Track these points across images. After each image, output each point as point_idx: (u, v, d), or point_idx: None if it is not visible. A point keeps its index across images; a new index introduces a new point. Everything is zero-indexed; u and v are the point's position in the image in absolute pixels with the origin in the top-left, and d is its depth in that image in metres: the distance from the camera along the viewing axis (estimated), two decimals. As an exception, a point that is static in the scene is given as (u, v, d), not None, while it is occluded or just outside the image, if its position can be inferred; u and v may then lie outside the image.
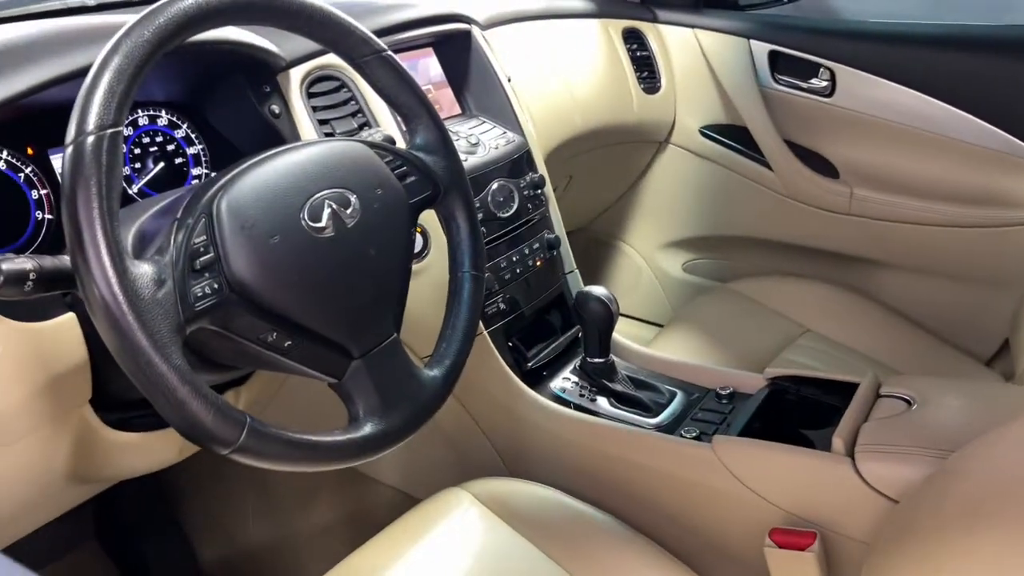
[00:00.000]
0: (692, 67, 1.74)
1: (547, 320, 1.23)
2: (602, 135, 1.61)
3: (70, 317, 0.77)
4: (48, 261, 0.67)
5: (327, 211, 0.74)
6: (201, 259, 0.67)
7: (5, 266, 0.64)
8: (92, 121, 0.62)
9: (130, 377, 0.63)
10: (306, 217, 0.73)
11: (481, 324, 1.11)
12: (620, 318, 1.98)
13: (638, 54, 1.70)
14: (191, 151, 0.99)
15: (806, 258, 1.75)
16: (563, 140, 1.46)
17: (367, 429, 0.75)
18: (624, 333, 1.24)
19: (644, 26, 1.74)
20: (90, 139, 0.61)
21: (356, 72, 0.86)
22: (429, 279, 1.03)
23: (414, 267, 1.03)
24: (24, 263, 0.65)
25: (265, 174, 0.73)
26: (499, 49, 1.32)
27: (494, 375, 1.12)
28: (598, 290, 1.12)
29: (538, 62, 1.45)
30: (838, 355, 1.48)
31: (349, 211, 0.76)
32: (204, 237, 0.68)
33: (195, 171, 0.99)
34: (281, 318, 0.71)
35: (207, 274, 0.67)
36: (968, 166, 1.52)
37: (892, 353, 1.52)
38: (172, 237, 0.68)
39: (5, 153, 0.83)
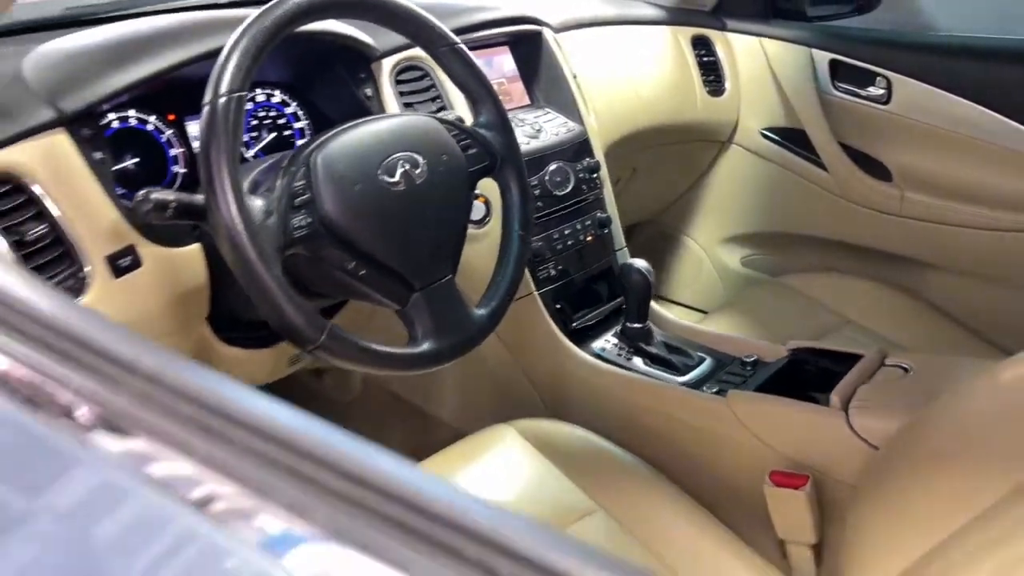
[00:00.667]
0: (756, 73, 1.86)
1: (594, 289, 1.38)
2: (666, 132, 1.75)
3: (197, 247, 0.98)
4: (185, 196, 0.87)
5: (400, 169, 0.92)
6: (299, 198, 0.86)
7: (153, 195, 0.84)
8: (224, 87, 0.81)
9: (241, 284, 0.82)
10: (382, 172, 0.91)
11: (533, 285, 1.28)
12: (677, 306, 2.11)
13: (705, 59, 1.83)
14: (297, 125, 1.19)
15: (856, 256, 1.84)
16: (626, 133, 1.61)
17: (423, 347, 0.93)
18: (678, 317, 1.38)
19: (713, 34, 1.86)
20: (222, 100, 0.81)
21: (435, 62, 1.04)
22: (488, 242, 1.20)
23: (477, 231, 1.21)
24: (167, 195, 0.85)
25: (352, 137, 0.91)
26: (570, 49, 1.48)
27: (542, 331, 1.28)
28: (639, 263, 1.27)
29: (607, 62, 1.61)
30: (872, 344, 1.57)
31: (418, 171, 0.93)
32: (303, 182, 0.87)
33: (300, 142, 1.18)
34: (359, 250, 0.89)
35: (303, 211, 0.86)
36: (1017, 173, 1.59)
37: (932, 349, 1.60)
38: (279, 181, 0.87)
39: (153, 118, 1.04)
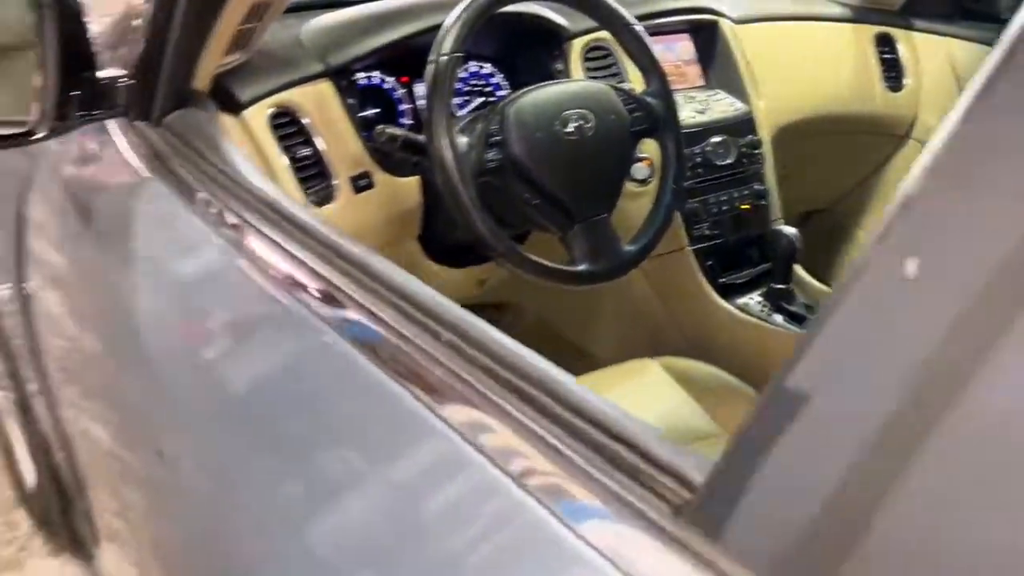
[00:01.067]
0: (938, 71, 1.92)
1: (745, 253, 1.54)
2: (840, 121, 1.85)
3: (416, 178, 1.26)
4: (411, 134, 1.15)
5: (574, 123, 1.14)
6: (493, 139, 1.11)
7: (388, 130, 1.13)
8: (445, 49, 1.08)
9: (446, 200, 1.08)
10: (559, 124, 1.14)
11: (687, 241, 1.46)
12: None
13: (886, 56, 1.91)
14: (500, 93, 1.44)
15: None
16: (797, 119, 1.73)
17: (580, 267, 1.15)
18: None
19: (897, 32, 1.94)
20: (443, 59, 1.07)
21: (616, 42, 1.26)
22: (648, 200, 1.39)
23: (639, 189, 1.41)
24: (398, 130, 1.13)
25: (539, 94, 1.15)
26: (747, 39, 1.64)
27: (691, 281, 1.46)
28: (788, 229, 1.42)
29: (784, 53, 1.74)
30: None
31: (588, 125, 1.15)
32: (497, 127, 1.12)
33: (501, 105, 1.44)
34: (534, 184, 1.12)
35: (495, 148, 1.11)
36: None
37: None
38: (479, 125, 1.12)
39: (391, 79, 1.33)
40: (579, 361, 1.66)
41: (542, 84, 1.18)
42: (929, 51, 1.94)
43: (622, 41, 1.25)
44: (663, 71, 1.24)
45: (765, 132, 1.58)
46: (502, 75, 1.45)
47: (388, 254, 1.30)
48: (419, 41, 1.27)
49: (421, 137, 1.13)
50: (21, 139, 0.95)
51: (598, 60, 1.45)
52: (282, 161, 1.13)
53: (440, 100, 1.07)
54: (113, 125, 1.05)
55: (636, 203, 1.38)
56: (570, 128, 1.14)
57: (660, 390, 1.30)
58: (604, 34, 1.43)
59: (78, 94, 0.94)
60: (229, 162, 0.90)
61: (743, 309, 1.45)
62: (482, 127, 1.12)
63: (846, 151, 2.02)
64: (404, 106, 1.34)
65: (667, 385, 1.31)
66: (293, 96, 1.16)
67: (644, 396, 1.29)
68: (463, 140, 1.09)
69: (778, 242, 1.42)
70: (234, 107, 1.11)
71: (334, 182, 1.18)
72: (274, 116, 1.14)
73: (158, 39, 0.97)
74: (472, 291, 1.45)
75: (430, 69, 1.08)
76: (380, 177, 1.22)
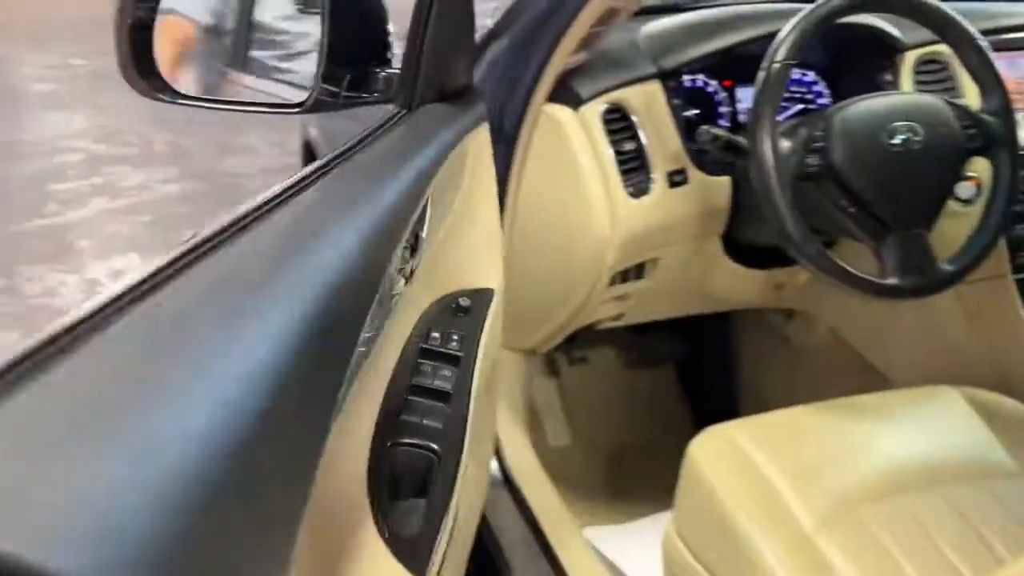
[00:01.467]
0: None
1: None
2: None
3: (727, 179, 1.31)
4: (733, 136, 1.20)
5: (901, 135, 1.14)
6: (815, 144, 1.13)
7: (712, 130, 1.19)
8: (779, 56, 1.12)
9: (760, 201, 1.12)
10: (886, 135, 1.13)
11: (1010, 269, 1.38)
12: None
13: None
14: (820, 101, 1.45)
15: None
16: None
17: (889, 281, 1.14)
18: None
19: None
20: (776, 66, 1.12)
21: (955, 56, 1.23)
22: (970, 222, 1.32)
23: (962, 209, 1.36)
24: (720, 131, 1.19)
25: (867, 104, 1.16)
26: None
27: (1008, 311, 1.38)
28: None
29: None
30: None
31: (917, 139, 1.14)
32: (821, 133, 1.14)
33: (820, 113, 1.45)
34: (853, 193, 1.13)
35: (817, 154, 1.13)
36: None
37: None
38: (801, 130, 1.15)
39: (714, 82, 1.39)
40: (868, 379, 1.63)
41: (870, 94, 1.18)
42: None
43: (962, 56, 1.21)
44: (1005, 88, 1.19)
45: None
46: (824, 83, 1.45)
47: (690, 248, 1.37)
48: (746, 48, 1.32)
49: (742, 139, 1.18)
50: (286, 109, 0.99)
51: (931, 73, 1.41)
52: (609, 153, 1.24)
53: (768, 104, 1.11)
54: (381, 109, 1.14)
55: (956, 223, 1.32)
56: (896, 140, 1.13)
57: (958, 420, 1.25)
58: (941, 47, 1.39)
59: (349, 77, 0.97)
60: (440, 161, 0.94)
61: (1067, 346, 1.35)
62: (805, 132, 1.15)
63: None
64: (724, 109, 1.40)
65: (966, 416, 1.25)
66: (625, 94, 1.26)
67: (939, 424, 1.25)
68: (785, 144, 1.13)
69: None
70: (574, 102, 1.23)
71: (652, 175, 1.26)
72: (607, 112, 1.25)
73: (418, 38, 1.03)
74: (768, 294, 1.48)
75: (762, 74, 1.13)
76: (694, 174, 1.29)
